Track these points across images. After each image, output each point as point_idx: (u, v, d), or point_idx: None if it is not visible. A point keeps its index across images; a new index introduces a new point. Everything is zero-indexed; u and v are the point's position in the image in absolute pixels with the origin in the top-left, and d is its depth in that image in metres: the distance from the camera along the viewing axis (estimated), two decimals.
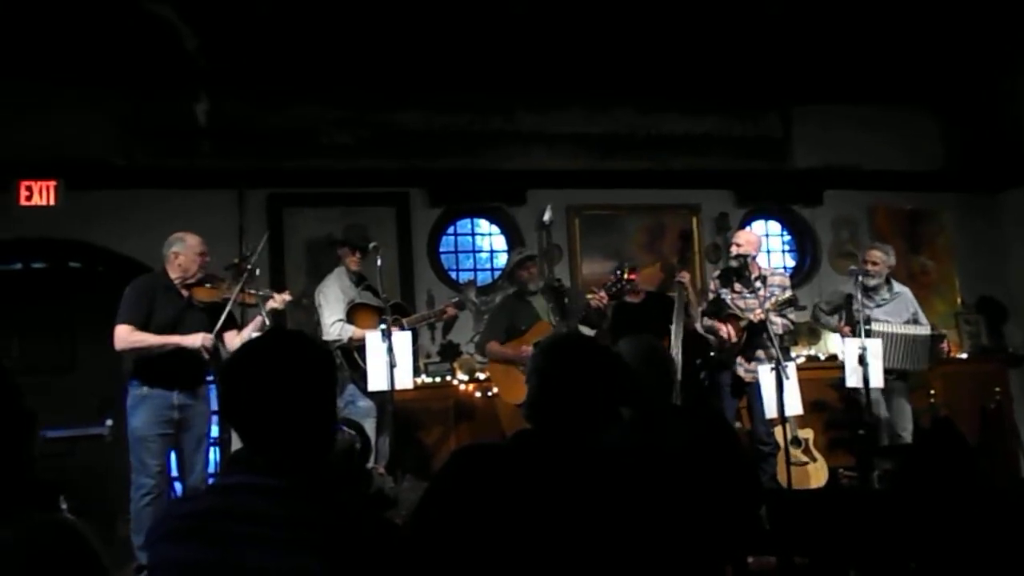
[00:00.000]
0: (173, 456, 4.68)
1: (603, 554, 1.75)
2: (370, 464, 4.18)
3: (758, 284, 5.23)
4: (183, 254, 4.56)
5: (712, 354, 5.60)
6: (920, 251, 7.61)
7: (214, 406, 4.91)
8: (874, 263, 5.67)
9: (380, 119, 6.69)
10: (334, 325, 5.15)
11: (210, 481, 4.88)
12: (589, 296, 5.15)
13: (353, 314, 5.23)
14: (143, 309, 4.43)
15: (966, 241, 7.65)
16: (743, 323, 5.28)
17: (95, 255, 6.28)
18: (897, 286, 5.83)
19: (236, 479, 1.55)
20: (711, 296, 5.63)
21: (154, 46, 5.58)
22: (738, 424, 5.64)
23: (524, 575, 1.72)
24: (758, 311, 5.13)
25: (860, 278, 5.44)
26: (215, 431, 5.44)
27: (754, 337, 5.29)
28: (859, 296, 5.32)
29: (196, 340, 4.38)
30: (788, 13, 5.96)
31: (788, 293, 5.31)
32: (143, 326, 4.40)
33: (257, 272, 4.96)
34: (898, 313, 5.70)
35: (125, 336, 4.37)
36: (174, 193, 6.19)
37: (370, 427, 4.82)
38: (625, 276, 5.02)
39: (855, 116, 7.35)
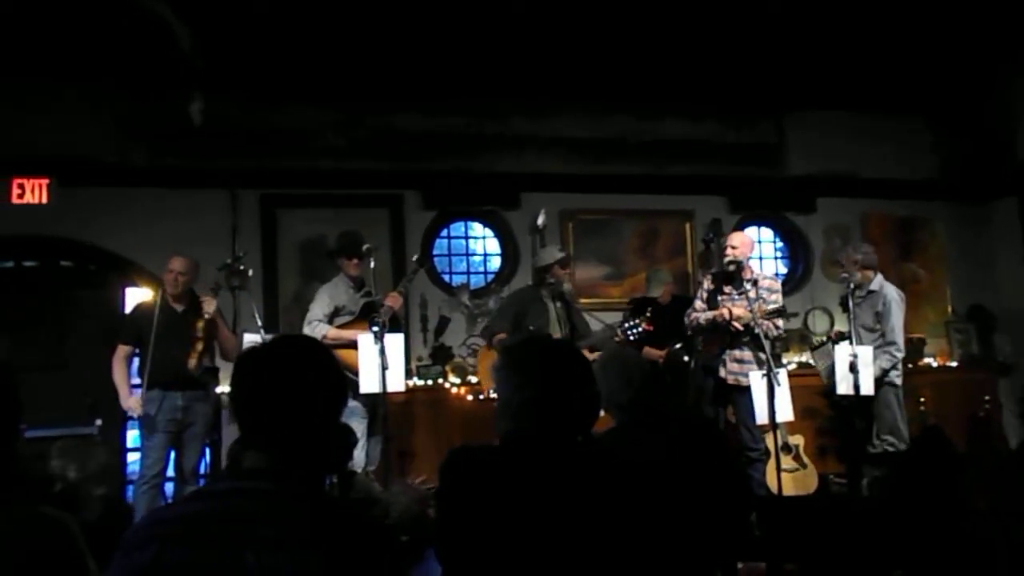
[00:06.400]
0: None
1: (594, 559, 1.75)
2: (353, 465, 4.17)
3: (748, 286, 5.18)
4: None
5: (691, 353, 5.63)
6: (912, 259, 7.64)
7: None
8: (845, 263, 5.68)
9: (375, 121, 6.68)
10: (310, 324, 5.08)
11: (200, 482, 4.93)
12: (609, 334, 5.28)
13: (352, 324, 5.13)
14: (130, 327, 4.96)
15: (957, 250, 7.69)
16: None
17: (87, 253, 6.26)
18: (875, 284, 5.67)
19: (226, 485, 1.56)
20: (703, 294, 5.56)
21: (150, 45, 5.57)
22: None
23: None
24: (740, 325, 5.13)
25: (849, 287, 5.46)
26: None
27: (740, 335, 5.24)
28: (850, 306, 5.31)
29: (128, 404, 4.84)
30: (784, 21, 5.99)
31: (777, 301, 5.22)
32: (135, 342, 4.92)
33: (250, 273, 5.00)
34: (866, 311, 5.61)
35: (114, 359, 4.92)
36: (167, 192, 6.19)
37: (356, 427, 4.79)
38: (643, 327, 5.17)
39: (849, 124, 7.36)
